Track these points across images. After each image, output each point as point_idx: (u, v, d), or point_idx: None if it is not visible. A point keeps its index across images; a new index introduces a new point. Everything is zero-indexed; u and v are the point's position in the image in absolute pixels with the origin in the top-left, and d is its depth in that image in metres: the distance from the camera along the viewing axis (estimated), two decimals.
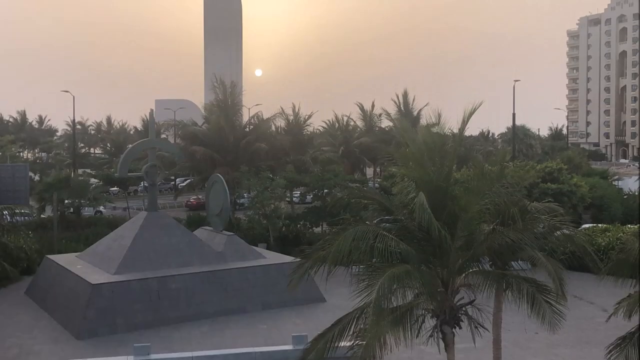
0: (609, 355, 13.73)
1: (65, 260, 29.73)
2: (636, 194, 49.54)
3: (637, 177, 56.43)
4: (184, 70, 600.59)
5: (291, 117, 63.18)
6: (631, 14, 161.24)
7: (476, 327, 13.97)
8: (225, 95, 49.93)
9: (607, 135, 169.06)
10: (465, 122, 14.26)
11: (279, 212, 40.29)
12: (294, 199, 55.87)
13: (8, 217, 33.73)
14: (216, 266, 28.07)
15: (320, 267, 13.38)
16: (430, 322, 13.91)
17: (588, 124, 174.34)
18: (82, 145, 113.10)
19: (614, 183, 57.17)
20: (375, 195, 15.61)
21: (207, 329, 24.91)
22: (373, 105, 74.19)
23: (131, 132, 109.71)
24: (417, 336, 13.20)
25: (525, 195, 19.45)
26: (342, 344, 12.89)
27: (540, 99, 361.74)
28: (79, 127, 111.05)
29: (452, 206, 13.59)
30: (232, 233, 31.46)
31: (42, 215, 45.87)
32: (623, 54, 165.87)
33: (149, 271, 26.75)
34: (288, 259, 29.61)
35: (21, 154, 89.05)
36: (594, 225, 37.86)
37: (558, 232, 16.26)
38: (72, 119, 71.47)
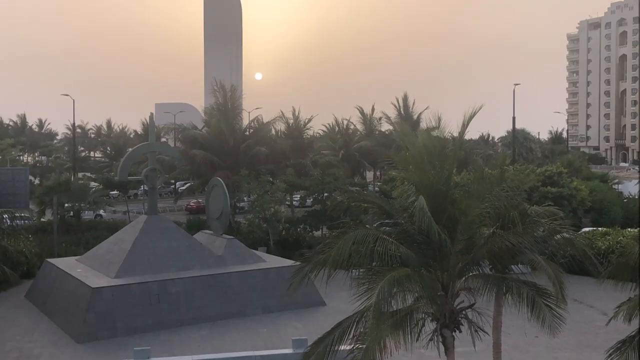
0: (609, 359, 13.73)
1: (65, 263, 29.75)
2: (636, 197, 49.52)
3: (637, 181, 56.38)
4: (184, 73, 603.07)
5: (291, 121, 63.06)
6: (631, 17, 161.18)
7: (476, 331, 13.96)
8: (225, 99, 50.03)
9: (607, 139, 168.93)
10: (465, 126, 14.28)
11: (279, 215, 40.33)
12: (294, 202, 55.90)
13: (8, 221, 33.73)
14: (216, 270, 28.07)
15: (320, 271, 13.38)
16: (430, 326, 13.90)
17: (588, 127, 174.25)
18: (82, 148, 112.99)
19: (614, 187, 57.26)
20: (375, 199, 15.59)
21: (207, 333, 24.91)
22: (373, 109, 74.28)
23: (131, 136, 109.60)
24: (417, 340, 13.19)
25: (525, 199, 19.44)
26: (342, 347, 12.88)
27: (540, 103, 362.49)
28: (79, 130, 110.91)
29: (452, 210, 13.59)
30: (232, 237, 31.46)
31: (42, 219, 45.93)
32: (623, 58, 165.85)
33: (149, 275, 26.76)
34: (288, 262, 29.50)
35: (21, 157, 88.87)
36: (594, 228, 37.94)
37: (558, 236, 16.25)
38: (72, 122, 71.80)
